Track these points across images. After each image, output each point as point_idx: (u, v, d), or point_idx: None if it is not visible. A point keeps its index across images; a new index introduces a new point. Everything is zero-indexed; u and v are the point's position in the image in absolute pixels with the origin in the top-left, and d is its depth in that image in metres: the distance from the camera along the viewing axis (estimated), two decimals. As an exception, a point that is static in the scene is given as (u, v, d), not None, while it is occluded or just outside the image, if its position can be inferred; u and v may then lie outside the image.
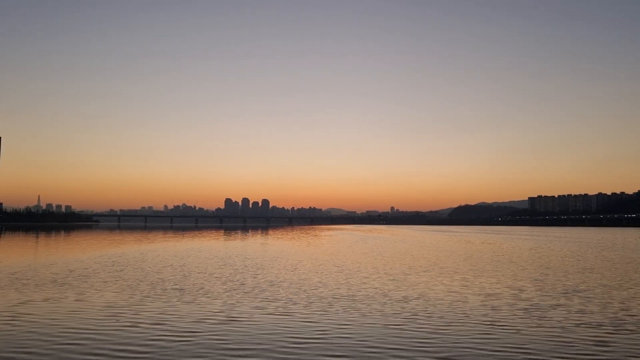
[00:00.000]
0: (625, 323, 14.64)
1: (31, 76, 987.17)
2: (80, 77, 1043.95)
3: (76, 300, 18.14)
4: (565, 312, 16.34)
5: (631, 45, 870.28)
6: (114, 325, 14.04)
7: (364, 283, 23.47)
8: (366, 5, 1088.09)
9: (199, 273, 27.41)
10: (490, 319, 15.12)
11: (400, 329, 13.79)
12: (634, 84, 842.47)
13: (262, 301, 18.18)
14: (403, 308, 16.94)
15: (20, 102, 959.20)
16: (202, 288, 21.47)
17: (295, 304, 17.66)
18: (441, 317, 15.39)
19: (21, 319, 14.83)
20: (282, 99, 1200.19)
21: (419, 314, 15.97)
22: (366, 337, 12.89)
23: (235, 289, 21.15)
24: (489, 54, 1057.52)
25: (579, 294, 20.29)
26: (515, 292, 20.87)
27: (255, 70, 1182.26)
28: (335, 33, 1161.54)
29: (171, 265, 32.27)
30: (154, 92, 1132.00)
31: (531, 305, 17.65)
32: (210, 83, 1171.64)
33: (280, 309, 16.67)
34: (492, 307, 17.23)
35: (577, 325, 14.38)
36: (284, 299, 18.75)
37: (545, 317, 15.52)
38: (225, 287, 21.93)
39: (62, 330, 13.44)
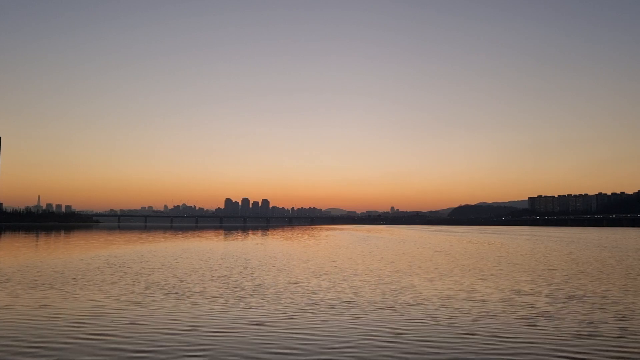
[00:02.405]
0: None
1: (31, 76, 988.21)
2: (80, 77, 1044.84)
3: (43, 307, 16.97)
4: (577, 320, 15.21)
5: (631, 45, 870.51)
6: (77, 335, 12.87)
7: (362, 287, 22.33)
8: (366, 5, 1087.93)
9: (188, 275, 26.26)
10: (496, 330, 13.99)
11: (399, 340, 12.66)
12: (634, 84, 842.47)
13: (249, 309, 17.04)
14: (403, 315, 15.83)
15: (20, 102, 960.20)
16: (187, 292, 20.30)
17: (285, 311, 16.53)
18: (444, 327, 14.27)
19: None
20: (282, 99, 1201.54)
21: (420, 323, 14.86)
22: (360, 348, 11.82)
23: (224, 295, 20.00)
24: (489, 54, 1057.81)
25: (591, 300, 19.10)
26: (523, 297, 19.71)
27: (255, 70, 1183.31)
28: (335, 33, 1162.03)
29: (163, 266, 31.14)
30: (154, 92, 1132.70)
31: (541, 312, 16.48)
32: (210, 83, 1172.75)
33: (270, 317, 15.57)
34: (498, 314, 16.10)
35: (590, 336, 13.28)
36: (274, 305, 17.62)
37: (555, 326, 14.39)
38: (212, 293, 20.74)
39: (16, 342, 12.23)
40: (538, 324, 14.65)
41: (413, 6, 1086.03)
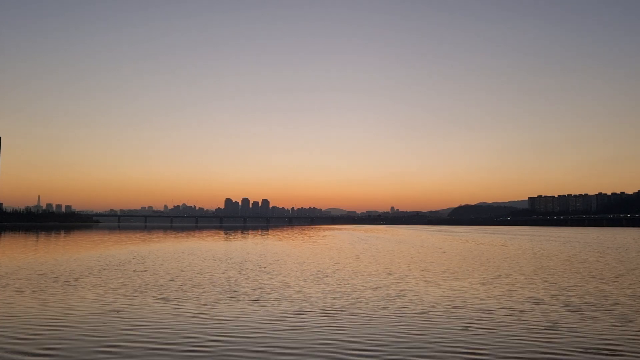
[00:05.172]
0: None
1: (31, 76, 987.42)
2: (80, 76, 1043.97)
3: (8, 315, 15.54)
4: (595, 332, 13.83)
5: (632, 44, 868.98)
6: (34, 348, 11.53)
7: (357, 291, 20.92)
8: (367, 4, 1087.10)
9: (180, 278, 24.81)
10: (506, 347, 12.60)
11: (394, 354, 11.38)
12: (634, 83, 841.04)
13: (238, 318, 15.62)
14: (403, 327, 14.45)
15: (20, 102, 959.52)
16: (174, 297, 18.88)
17: (274, 319, 15.12)
18: (448, 342, 12.85)
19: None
20: (282, 99, 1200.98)
21: (421, 338, 13.46)
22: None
23: (215, 301, 18.58)
24: (490, 54, 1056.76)
25: (609, 308, 17.59)
26: (531, 304, 18.25)
27: (256, 70, 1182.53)
28: (335, 32, 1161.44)
29: (156, 268, 29.65)
30: (154, 91, 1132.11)
31: (554, 323, 15.04)
32: (210, 82, 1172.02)
33: (259, 326, 14.16)
34: (507, 325, 14.72)
35: (611, 352, 11.97)
36: (264, 313, 16.22)
37: (572, 339, 12.99)
38: (205, 299, 19.32)
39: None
40: (552, 336, 13.28)
41: (412, 5, 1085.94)
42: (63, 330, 13.77)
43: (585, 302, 18.76)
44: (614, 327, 14.43)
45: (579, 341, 12.81)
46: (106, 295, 19.83)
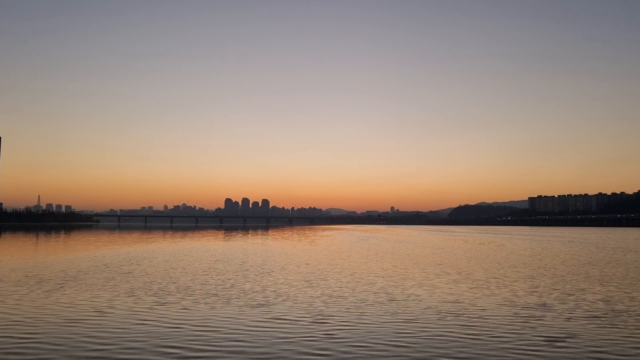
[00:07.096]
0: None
1: (31, 76, 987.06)
2: (80, 76, 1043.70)
3: None
4: (607, 340, 12.86)
5: (632, 45, 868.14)
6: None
7: (357, 295, 19.96)
8: (367, 3, 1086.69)
9: (170, 281, 23.87)
10: (513, 353, 11.66)
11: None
12: (634, 83, 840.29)
13: (226, 328, 14.68)
14: (403, 337, 13.52)
15: (20, 102, 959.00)
16: (156, 304, 17.91)
17: (265, 328, 14.31)
18: (451, 351, 11.93)
19: None
20: (282, 99, 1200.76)
21: (422, 342, 12.53)
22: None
23: (199, 307, 17.71)
24: (491, 54, 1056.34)
25: (619, 314, 16.65)
26: (541, 311, 17.25)
27: (256, 69, 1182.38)
28: (335, 31, 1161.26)
29: (146, 269, 28.87)
30: (154, 91, 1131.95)
31: (564, 330, 14.06)
32: (210, 82, 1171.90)
33: (247, 337, 13.38)
34: (511, 334, 13.77)
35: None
36: (255, 322, 15.32)
37: (582, 349, 12.02)
38: (196, 306, 18.58)
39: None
40: (563, 345, 12.30)
41: (416, 4, 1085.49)
42: (33, 337, 12.77)
43: (596, 308, 17.82)
44: (628, 338, 13.49)
45: (592, 350, 11.90)
46: (91, 300, 18.88)
